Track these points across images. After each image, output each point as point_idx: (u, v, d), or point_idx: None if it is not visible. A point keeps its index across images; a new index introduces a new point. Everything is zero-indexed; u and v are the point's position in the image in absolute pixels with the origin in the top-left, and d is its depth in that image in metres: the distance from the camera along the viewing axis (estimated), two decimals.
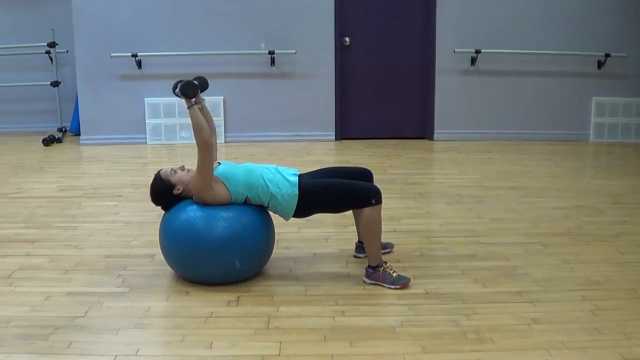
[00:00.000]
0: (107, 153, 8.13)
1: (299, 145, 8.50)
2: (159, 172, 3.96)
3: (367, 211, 3.84)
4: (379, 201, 3.86)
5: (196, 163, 3.74)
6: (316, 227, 4.96)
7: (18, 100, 9.61)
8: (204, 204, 3.82)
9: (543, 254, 4.47)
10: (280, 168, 4.01)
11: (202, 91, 3.96)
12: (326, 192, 3.92)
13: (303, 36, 8.59)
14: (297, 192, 3.86)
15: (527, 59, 8.68)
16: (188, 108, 3.76)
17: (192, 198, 3.88)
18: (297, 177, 3.94)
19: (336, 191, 3.91)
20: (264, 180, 3.87)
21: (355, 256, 4.39)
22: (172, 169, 3.93)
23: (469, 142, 8.68)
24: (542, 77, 8.78)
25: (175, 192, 3.88)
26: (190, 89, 3.76)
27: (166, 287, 3.92)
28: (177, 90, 3.80)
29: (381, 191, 3.90)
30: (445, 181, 6.65)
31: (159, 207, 4.01)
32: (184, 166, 3.96)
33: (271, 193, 3.87)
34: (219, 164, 3.97)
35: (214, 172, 3.82)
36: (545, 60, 8.68)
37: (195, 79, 3.91)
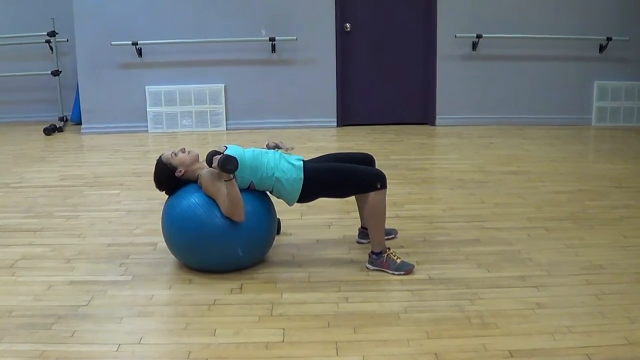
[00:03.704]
0: (109, 142, 8.11)
1: (301, 132, 8.48)
2: (160, 157, 3.96)
3: (372, 196, 3.83)
4: (383, 186, 3.84)
5: (227, 205, 3.71)
6: (319, 213, 4.95)
7: (19, 90, 9.58)
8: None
9: (546, 239, 4.46)
10: (285, 154, 4.00)
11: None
12: (331, 176, 3.91)
13: (304, 22, 8.55)
14: (302, 176, 3.85)
15: (529, 44, 8.63)
16: (226, 181, 3.70)
17: (195, 181, 3.89)
18: (302, 162, 3.93)
19: (341, 175, 3.90)
20: (270, 165, 3.86)
21: (358, 242, 4.39)
22: (172, 152, 3.93)
23: (471, 127, 8.65)
24: (544, 61, 8.74)
25: (178, 174, 3.88)
26: (232, 165, 3.65)
27: (169, 275, 3.91)
28: (216, 165, 3.68)
29: (386, 176, 3.89)
30: (447, 166, 6.64)
31: (163, 192, 4.01)
32: (184, 148, 3.95)
33: (276, 177, 3.86)
34: (226, 147, 3.95)
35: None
36: (546, 45, 8.64)
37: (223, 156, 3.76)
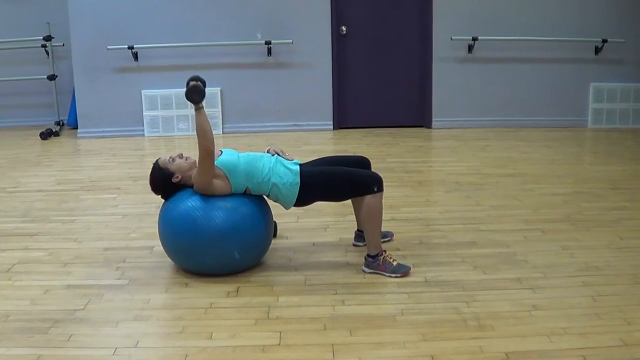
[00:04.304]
0: (105, 146, 8.11)
1: (297, 135, 8.48)
2: (157, 160, 3.94)
3: (368, 199, 3.83)
4: (380, 189, 3.85)
5: (197, 160, 3.74)
6: (315, 216, 4.95)
7: (15, 95, 9.56)
8: (204, 194, 3.80)
9: (543, 241, 4.47)
10: (281, 158, 4.00)
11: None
12: (328, 180, 3.90)
13: (299, 26, 8.56)
14: (299, 180, 3.85)
15: (524, 46, 8.65)
16: (195, 110, 3.70)
17: (192, 186, 3.87)
18: (298, 166, 3.93)
19: (338, 179, 3.90)
20: (265, 170, 3.86)
21: (354, 245, 4.39)
22: (170, 157, 3.91)
23: (467, 129, 8.67)
24: (540, 63, 8.75)
25: (174, 180, 3.87)
26: (197, 95, 3.67)
27: (165, 279, 3.91)
28: (185, 92, 3.72)
29: (382, 179, 3.89)
30: (443, 169, 6.64)
31: (159, 196, 4.00)
32: (182, 154, 3.94)
33: (273, 183, 3.85)
34: (221, 152, 3.94)
35: (216, 162, 3.79)
36: (542, 47, 8.65)
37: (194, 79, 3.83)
